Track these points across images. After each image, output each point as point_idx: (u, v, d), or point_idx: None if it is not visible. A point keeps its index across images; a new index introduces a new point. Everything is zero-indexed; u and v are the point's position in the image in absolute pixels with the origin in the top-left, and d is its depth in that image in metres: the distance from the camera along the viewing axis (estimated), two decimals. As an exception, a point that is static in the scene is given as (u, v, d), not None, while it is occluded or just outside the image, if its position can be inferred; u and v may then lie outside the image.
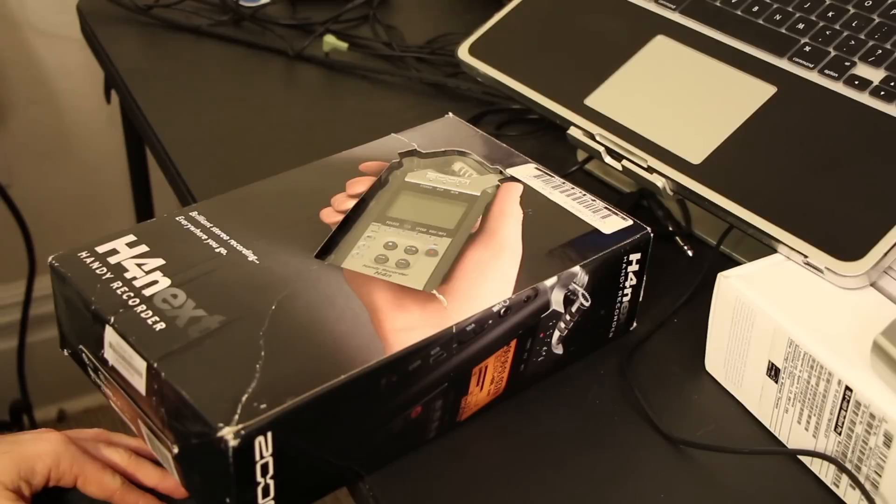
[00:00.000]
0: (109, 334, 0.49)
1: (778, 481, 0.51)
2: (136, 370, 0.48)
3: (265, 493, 0.46)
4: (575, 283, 0.54)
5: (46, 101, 1.41)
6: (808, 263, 0.55)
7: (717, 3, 0.70)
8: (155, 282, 0.51)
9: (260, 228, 0.55)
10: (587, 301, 0.56)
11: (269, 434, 0.44)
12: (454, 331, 0.49)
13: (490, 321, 0.51)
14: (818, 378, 0.49)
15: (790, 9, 0.67)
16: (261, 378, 0.45)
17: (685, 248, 0.68)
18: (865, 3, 0.64)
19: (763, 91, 0.63)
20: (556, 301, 0.54)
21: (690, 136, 0.63)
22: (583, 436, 0.54)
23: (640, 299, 0.60)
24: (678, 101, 0.65)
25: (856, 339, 0.50)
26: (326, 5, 1.04)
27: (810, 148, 0.59)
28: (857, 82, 0.61)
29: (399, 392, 0.49)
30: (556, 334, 0.55)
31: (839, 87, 0.61)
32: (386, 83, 0.91)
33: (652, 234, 0.57)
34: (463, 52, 0.76)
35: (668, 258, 0.67)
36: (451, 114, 0.69)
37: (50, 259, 0.53)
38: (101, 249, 0.53)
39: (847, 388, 0.48)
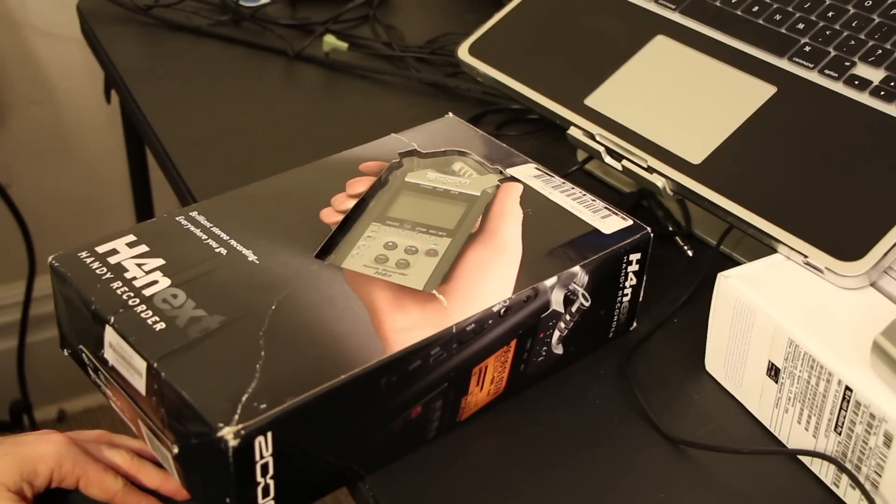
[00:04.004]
0: (109, 334, 0.49)
1: (778, 481, 0.52)
2: (136, 370, 0.48)
3: (265, 493, 0.46)
4: (575, 283, 0.54)
5: (46, 101, 1.41)
6: (808, 263, 0.55)
7: (717, 3, 0.70)
8: (155, 282, 0.51)
9: (260, 228, 0.55)
10: (587, 301, 0.56)
11: (269, 434, 0.44)
12: (454, 331, 0.49)
13: (490, 321, 0.51)
14: (818, 378, 0.49)
15: (790, 9, 0.67)
16: (261, 378, 0.45)
17: (685, 248, 0.68)
18: (865, 3, 0.64)
19: (763, 91, 0.63)
20: (556, 301, 0.54)
21: (690, 136, 0.63)
22: (583, 436, 0.54)
23: (640, 299, 0.60)
24: (678, 101, 0.65)
25: (856, 339, 0.50)
26: (326, 5, 1.04)
27: (810, 148, 0.59)
28: (857, 82, 0.61)
29: (399, 392, 0.49)
30: (556, 334, 0.55)
31: (839, 87, 0.61)
32: (386, 83, 0.91)
33: (652, 234, 0.57)
34: (463, 52, 0.76)
35: (668, 258, 0.67)
36: (451, 114, 0.69)
37: (50, 259, 0.53)
38: (101, 249, 0.53)
39: (847, 388, 0.48)
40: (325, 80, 0.92)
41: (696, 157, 0.62)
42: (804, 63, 0.63)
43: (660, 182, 0.62)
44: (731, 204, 0.59)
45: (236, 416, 0.43)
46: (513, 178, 0.61)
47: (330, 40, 0.95)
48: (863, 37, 0.63)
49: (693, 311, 0.61)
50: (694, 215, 0.70)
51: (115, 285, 0.51)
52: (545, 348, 0.55)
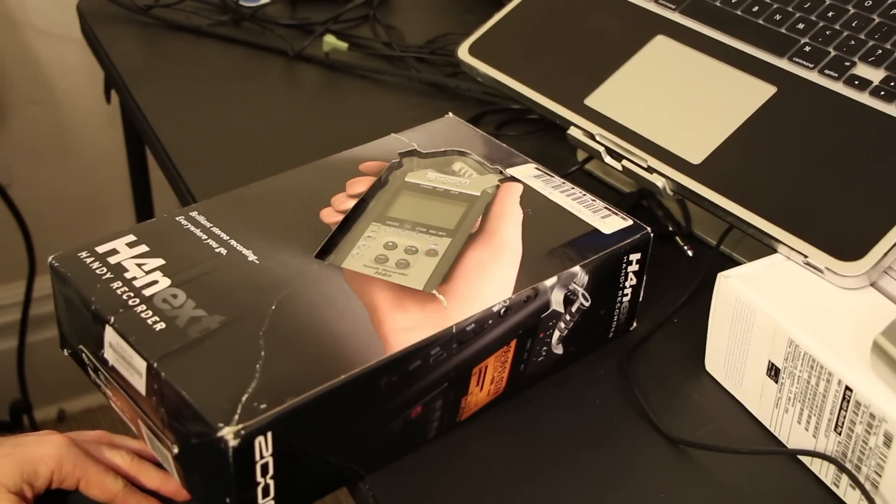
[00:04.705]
0: (109, 334, 0.49)
1: (778, 481, 0.52)
2: (136, 370, 0.48)
3: (265, 493, 0.46)
4: (575, 283, 0.54)
5: (46, 101, 1.41)
6: (808, 263, 0.55)
7: (717, 3, 0.70)
8: (155, 282, 0.51)
9: (260, 228, 0.55)
10: (587, 301, 0.56)
11: (269, 434, 0.44)
12: (454, 331, 0.49)
13: (490, 321, 0.51)
14: (818, 378, 0.49)
15: (790, 9, 0.67)
16: (261, 378, 0.45)
17: (685, 248, 0.68)
18: (865, 3, 0.64)
19: (763, 91, 0.63)
20: (556, 301, 0.54)
21: (690, 136, 0.63)
22: (583, 436, 0.54)
23: (640, 299, 0.60)
24: (678, 101, 0.65)
25: (856, 339, 0.50)
26: (326, 5, 1.04)
27: (810, 148, 0.59)
28: (857, 82, 0.61)
29: (399, 392, 0.49)
30: (556, 334, 0.55)
31: (839, 87, 0.61)
32: (386, 83, 0.91)
33: (652, 234, 0.57)
34: (463, 52, 0.76)
35: (668, 258, 0.67)
36: (451, 114, 0.69)
37: (50, 259, 0.53)
38: (101, 249, 0.53)
39: (847, 388, 0.48)
40: (325, 80, 0.92)
41: (696, 157, 0.62)
42: (804, 63, 0.63)
43: (660, 182, 0.62)
44: (731, 204, 0.59)
45: (236, 416, 0.43)
46: (513, 178, 0.61)
47: (330, 40, 0.95)
48: (863, 37, 0.63)
49: (693, 311, 0.61)
50: (694, 215, 0.70)
51: (115, 285, 0.51)
52: (545, 348, 0.55)
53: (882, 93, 0.60)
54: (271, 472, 0.45)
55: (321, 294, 0.51)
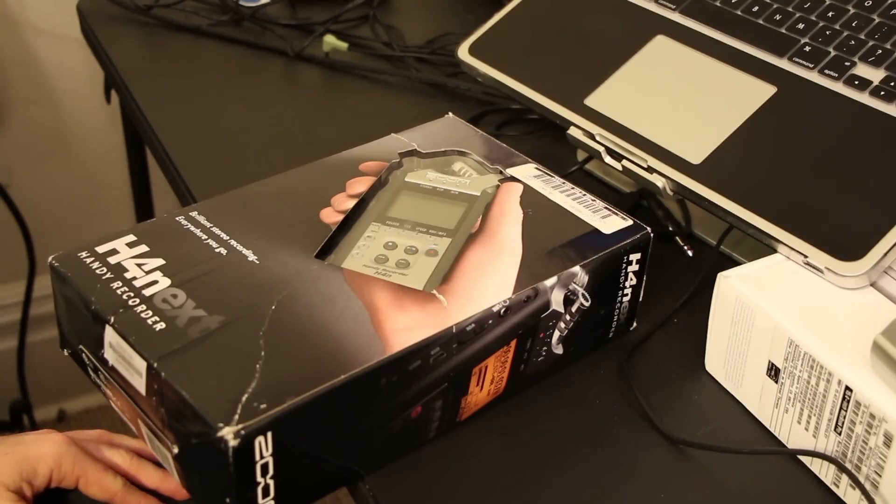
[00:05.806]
0: (109, 334, 0.49)
1: (778, 481, 0.52)
2: (136, 370, 0.48)
3: (265, 494, 0.46)
4: (575, 283, 0.54)
5: (46, 101, 1.41)
6: (808, 263, 0.55)
7: (717, 3, 0.70)
8: (155, 282, 0.51)
9: (260, 228, 0.55)
10: (587, 301, 0.56)
11: (269, 434, 0.44)
12: (454, 331, 0.49)
13: (490, 321, 0.51)
14: (818, 378, 0.49)
15: (790, 9, 0.67)
16: (261, 378, 0.45)
17: (685, 248, 0.68)
18: (865, 3, 0.64)
19: (763, 91, 0.63)
20: (556, 301, 0.54)
21: (690, 136, 0.63)
22: (583, 436, 0.54)
23: (640, 299, 0.60)
24: (678, 101, 0.65)
25: (856, 339, 0.50)
26: (326, 5, 1.04)
27: (810, 148, 0.59)
28: (857, 82, 0.61)
29: (399, 392, 0.49)
30: (556, 334, 0.55)
31: (839, 87, 0.61)
32: (386, 83, 0.91)
33: (652, 234, 0.57)
34: (463, 52, 0.76)
35: (668, 258, 0.67)
36: (451, 114, 0.69)
37: (50, 259, 0.53)
38: (101, 249, 0.53)
39: (847, 388, 0.48)
40: (325, 80, 0.92)
41: (696, 157, 0.62)
42: (804, 63, 0.63)
43: (660, 182, 0.62)
44: (731, 204, 0.59)
45: (236, 416, 0.43)
46: (513, 178, 0.61)
47: (330, 40, 0.95)
48: (863, 37, 0.63)
49: (693, 311, 0.61)
50: (694, 215, 0.70)
51: (115, 285, 0.51)
52: (545, 348, 0.55)
53: (882, 93, 0.60)
54: (271, 472, 0.45)
55: (321, 294, 0.51)
